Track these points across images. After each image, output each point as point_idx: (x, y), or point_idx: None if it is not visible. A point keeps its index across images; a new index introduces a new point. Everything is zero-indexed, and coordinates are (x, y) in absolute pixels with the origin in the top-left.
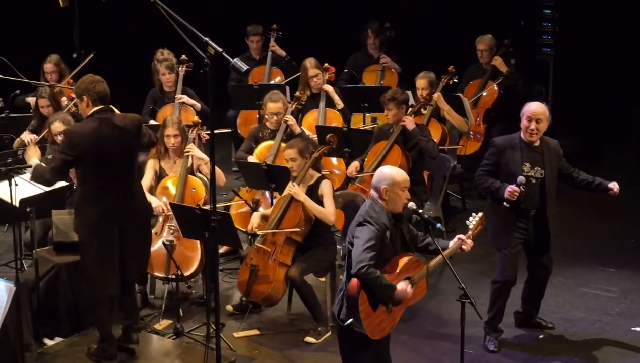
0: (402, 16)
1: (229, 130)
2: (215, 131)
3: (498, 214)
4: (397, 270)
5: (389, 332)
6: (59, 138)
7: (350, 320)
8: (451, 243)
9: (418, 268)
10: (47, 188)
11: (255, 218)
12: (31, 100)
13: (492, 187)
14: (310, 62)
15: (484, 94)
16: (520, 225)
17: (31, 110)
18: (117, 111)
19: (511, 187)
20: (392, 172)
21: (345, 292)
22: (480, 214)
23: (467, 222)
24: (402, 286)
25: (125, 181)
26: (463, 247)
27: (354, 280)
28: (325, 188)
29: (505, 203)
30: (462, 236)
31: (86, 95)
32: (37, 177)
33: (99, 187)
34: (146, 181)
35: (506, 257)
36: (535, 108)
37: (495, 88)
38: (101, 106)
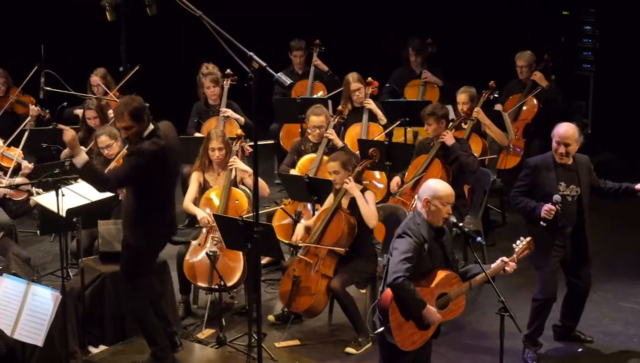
0: (445, 31)
1: (271, 141)
2: (259, 143)
3: (534, 234)
4: (433, 285)
5: (420, 345)
6: (106, 151)
7: (382, 328)
8: (493, 265)
9: (455, 285)
10: (94, 199)
11: (300, 229)
12: (79, 112)
13: (527, 207)
14: (352, 77)
15: (524, 108)
16: (558, 243)
17: (78, 122)
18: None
19: (547, 206)
20: (436, 186)
21: (379, 300)
22: (528, 239)
23: (514, 245)
24: (432, 309)
25: (174, 189)
26: (506, 268)
27: (388, 290)
28: (369, 198)
29: (542, 222)
30: (505, 258)
31: (126, 114)
32: (95, 173)
33: (160, 197)
34: (191, 193)
35: (545, 275)
36: (563, 131)
37: (535, 103)
38: (146, 120)
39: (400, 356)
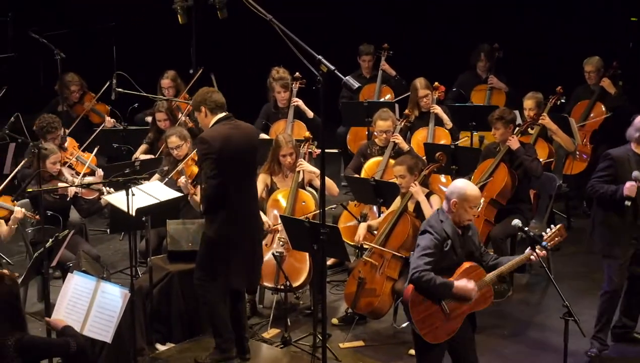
0: (511, 37)
1: (337, 150)
2: (326, 151)
3: (608, 224)
4: (457, 277)
5: (447, 338)
6: (175, 152)
7: (406, 323)
8: (521, 255)
9: (479, 276)
10: (163, 199)
11: (362, 229)
12: (149, 119)
13: (608, 191)
14: (420, 83)
15: (592, 115)
16: (635, 235)
17: (149, 124)
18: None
19: (629, 183)
20: (465, 188)
21: (402, 296)
22: (559, 226)
23: (543, 233)
24: (462, 282)
25: (253, 182)
26: (532, 257)
27: (409, 286)
28: (434, 202)
29: (626, 201)
30: (529, 250)
31: (204, 106)
32: (207, 200)
33: (235, 187)
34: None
35: (615, 266)
36: None
37: (603, 109)
38: (223, 113)
39: (430, 348)
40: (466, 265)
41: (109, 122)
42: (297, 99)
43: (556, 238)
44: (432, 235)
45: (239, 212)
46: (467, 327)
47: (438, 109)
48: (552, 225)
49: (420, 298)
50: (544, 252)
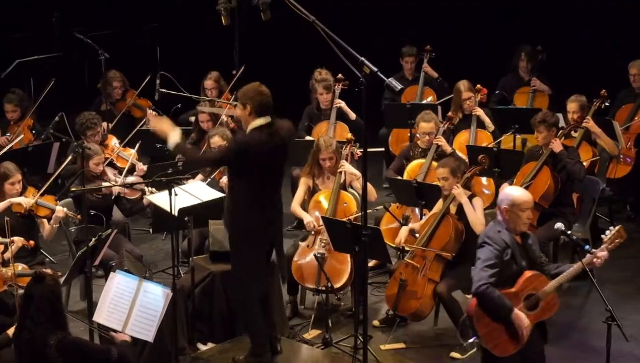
0: (555, 39)
1: (381, 149)
2: (368, 150)
3: None
4: (518, 287)
5: (515, 351)
6: None
7: (473, 338)
8: (583, 260)
9: (542, 284)
10: (206, 199)
11: (404, 232)
12: (192, 118)
13: None
14: (463, 85)
15: (636, 118)
16: None
17: (192, 125)
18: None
19: None
20: (513, 193)
21: (467, 310)
22: (618, 227)
23: (602, 236)
24: (521, 314)
25: (280, 186)
26: (594, 260)
27: (473, 300)
28: (477, 205)
29: None
30: (589, 256)
31: (250, 103)
32: (185, 153)
33: (261, 195)
34: (299, 196)
35: None
36: None
37: None
38: (265, 117)
39: (499, 360)
40: (528, 274)
41: (151, 115)
42: (339, 101)
43: (616, 240)
44: (492, 246)
45: (262, 217)
46: (538, 339)
47: (480, 111)
48: (610, 227)
49: (484, 313)
50: (603, 254)
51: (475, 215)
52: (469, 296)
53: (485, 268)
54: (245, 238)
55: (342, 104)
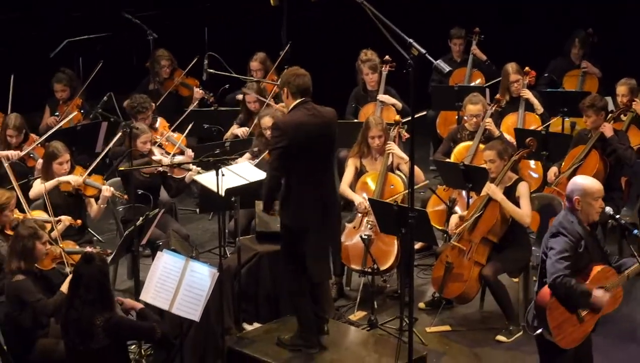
0: (605, 21)
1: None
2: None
3: None
4: (589, 280)
5: (580, 342)
6: (267, 132)
7: (540, 330)
8: None
9: (611, 277)
10: (252, 180)
11: (454, 219)
12: (240, 97)
13: None
14: (512, 67)
15: None
16: None
17: (239, 105)
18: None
19: None
20: (584, 182)
21: (535, 301)
22: None
23: None
24: (598, 293)
25: (330, 169)
26: None
27: (545, 290)
28: (522, 190)
29: None
30: None
31: (287, 87)
32: (266, 186)
33: (309, 174)
34: (347, 177)
35: None
36: None
37: None
38: (302, 98)
39: (561, 353)
40: (599, 267)
41: (198, 93)
42: (383, 95)
43: None
44: (567, 237)
45: (314, 201)
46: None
47: (528, 94)
48: None
49: (558, 304)
50: None
51: (516, 210)
52: (516, 280)
53: (560, 260)
54: (302, 220)
55: (386, 98)
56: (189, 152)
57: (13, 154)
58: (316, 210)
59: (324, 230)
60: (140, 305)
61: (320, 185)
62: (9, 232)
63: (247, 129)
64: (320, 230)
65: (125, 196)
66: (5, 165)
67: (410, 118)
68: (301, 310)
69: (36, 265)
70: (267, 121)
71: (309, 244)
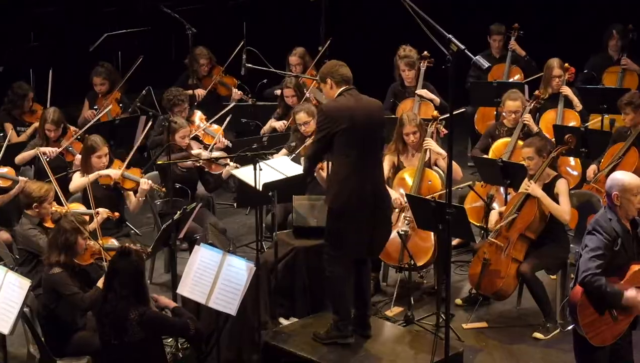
0: None
1: (463, 109)
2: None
3: None
4: (626, 278)
5: (614, 340)
6: (303, 128)
7: (572, 325)
8: None
9: None
10: (290, 174)
11: (494, 216)
12: (278, 92)
13: None
14: (556, 62)
15: None
16: None
17: (277, 100)
18: None
19: None
20: (623, 178)
21: (569, 297)
22: None
23: None
24: (631, 293)
25: (377, 158)
26: None
27: (577, 288)
28: (561, 187)
29: None
30: None
31: (330, 78)
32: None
33: (356, 159)
34: (384, 173)
35: None
36: None
37: None
38: (347, 86)
39: (595, 350)
40: (636, 267)
41: (237, 94)
42: (421, 91)
43: None
44: (602, 235)
45: (358, 186)
46: (629, 329)
47: (568, 91)
48: None
49: (589, 302)
50: None
51: (555, 207)
52: (554, 277)
53: (593, 259)
54: (348, 204)
55: (424, 92)
56: (226, 142)
57: (51, 150)
58: (362, 195)
59: (364, 215)
60: (174, 304)
61: (367, 172)
62: (48, 225)
63: (285, 122)
64: (360, 214)
65: (164, 189)
66: (43, 159)
67: (448, 114)
68: (339, 298)
69: (75, 259)
70: (302, 116)
71: (352, 226)
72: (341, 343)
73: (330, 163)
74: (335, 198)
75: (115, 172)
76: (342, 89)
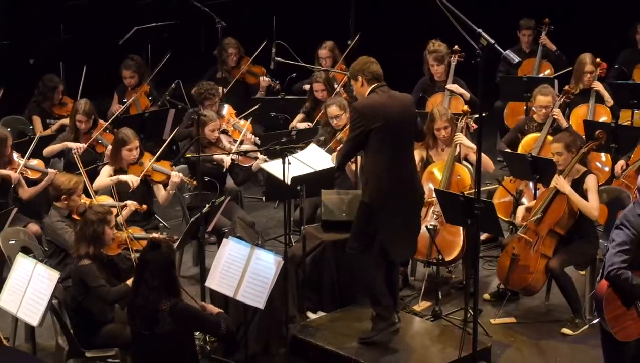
0: None
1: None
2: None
3: None
4: None
5: (638, 336)
6: (334, 122)
7: (597, 319)
8: None
9: None
10: (319, 168)
11: (521, 211)
12: (307, 87)
13: None
14: (588, 58)
15: None
16: None
17: (306, 94)
18: None
19: None
20: None
21: (594, 291)
22: None
23: None
24: None
25: (410, 154)
26: None
27: (603, 282)
28: (590, 183)
29: None
30: None
31: (361, 75)
32: (336, 159)
33: (389, 155)
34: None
35: None
36: None
37: None
38: (378, 82)
39: (621, 345)
40: None
41: (265, 81)
42: (451, 85)
43: None
44: (629, 230)
45: (395, 182)
46: None
47: (600, 86)
48: None
49: (615, 296)
50: None
51: (584, 203)
52: (582, 272)
53: (619, 253)
54: (382, 200)
55: (454, 87)
56: (255, 139)
57: (79, 146)
58: (395, 192)
59: (402, 212)
60: (218, 310)
61: (400, 167)
62: (76, 217)
63: (310, 124)
64: (397, 211)
65: (195, 182)
66: (73, 153)
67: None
68: (377, 289)
69: (103, 250)
70: (333, 110)
71: (384, 224)
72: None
73: (361, 158)
74: (373, 194)
75: (134, 178)
76: (373, 86)
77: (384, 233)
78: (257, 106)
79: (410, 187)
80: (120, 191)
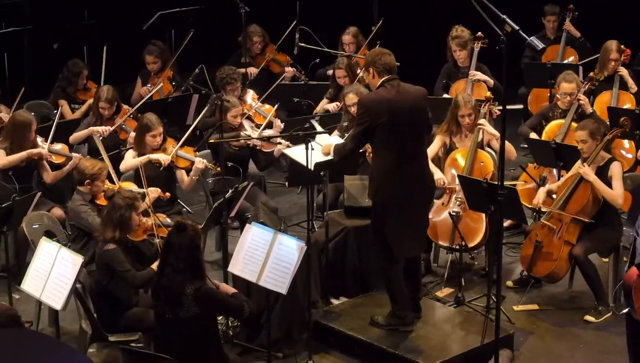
0: None
1: (520, 106)
2: (507, 107)
3: None
4: None
5: None
6: (352, 109)
7: (627, 309)
8: None
9: None
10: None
11: (541, 193)
12: (330, 72)
13: None
14: (614, 45)
15: None
16: None
17: (329, 80)
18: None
19: None
20: None
21: (623, 280)
22: None
23: None
24: None
25: (420, 148)
26: None
27: (633, 269)
28: (615, 170)
29: None
30: None
31: (372, 67)
32: (338, 152)
33: (397, 151)
34: (432, 151)
35: None
36: None
37: None
38: (388, 76)
39: None
40: None
41: (289, 71)
42: (475, 72)
43: None
44: None
45: (404, 179)
46: None
47: (624, 71)
48: None
49: None
50: None
51: (608, 191)
52: (606, 260)
53: None
54: (392, 197)
55: (479, 74)
56: (278, 122)
57: (104, 129)
58: (403, 187)
59: (411, 207)
60: (233, 290)
61: (409, 163)
62: (100, 202)
63: (338, 103)
64: (406, 207)
65: (218, 168)
66: (96, 138)
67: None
68: (394, 286)
69: (128, 236)
70: (351, 98)
71: (393, 220)
72: (402, 330)
73: (374, 160)
74: (377, 192)
75: (165, 157)
76: (383, 79)
77: (387, 232)
78: (274, 86)
79: (418, 185)
80: (147, 176)
